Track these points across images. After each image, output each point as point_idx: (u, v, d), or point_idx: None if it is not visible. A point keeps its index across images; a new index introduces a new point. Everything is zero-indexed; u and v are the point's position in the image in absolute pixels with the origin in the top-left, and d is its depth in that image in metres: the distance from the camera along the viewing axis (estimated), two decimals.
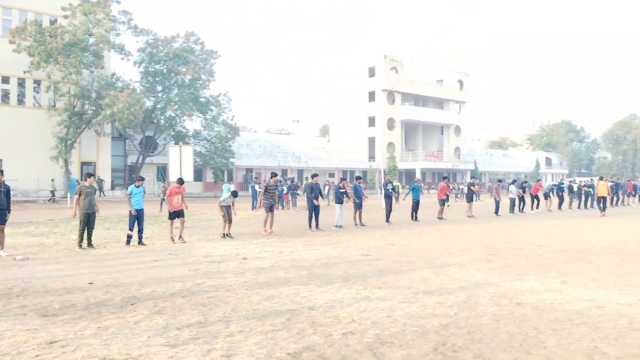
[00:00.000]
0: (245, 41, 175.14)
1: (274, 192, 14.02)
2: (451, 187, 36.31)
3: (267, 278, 7.61)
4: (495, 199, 21.30)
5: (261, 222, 15.52)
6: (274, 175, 14.00)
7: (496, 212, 20.84)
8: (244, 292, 6.72)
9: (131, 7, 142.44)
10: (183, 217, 12.09)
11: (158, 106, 40.54)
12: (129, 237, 11.54)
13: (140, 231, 11.52)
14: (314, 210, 14.61)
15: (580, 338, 4.84)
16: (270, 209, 13.85)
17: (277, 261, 9.22)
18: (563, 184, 26.03)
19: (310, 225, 14.64)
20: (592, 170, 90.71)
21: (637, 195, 31.63)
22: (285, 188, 24.86)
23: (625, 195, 29.35)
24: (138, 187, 11.50)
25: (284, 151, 55.21)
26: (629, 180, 33.29)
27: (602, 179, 21.12)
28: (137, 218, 11.41)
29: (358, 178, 16.11)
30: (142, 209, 11.51)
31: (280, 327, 5.18)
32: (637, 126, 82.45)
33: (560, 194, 24.52)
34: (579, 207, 25.19)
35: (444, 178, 19.12)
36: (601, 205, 20.21)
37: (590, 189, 25.83)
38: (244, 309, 5.85)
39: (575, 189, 25.79)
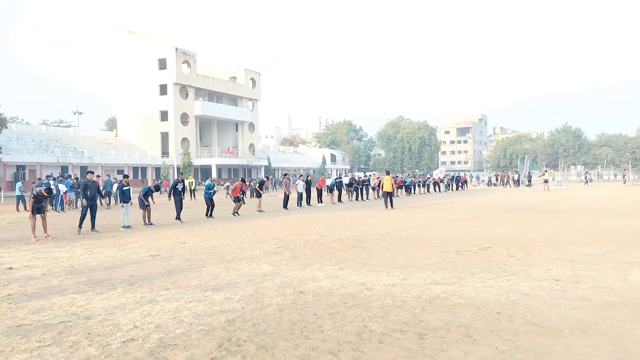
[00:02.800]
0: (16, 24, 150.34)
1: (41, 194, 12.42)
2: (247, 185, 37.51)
3: (37, 288, 6.92)
4: (285, 193, 22.45)
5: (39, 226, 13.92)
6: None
7: (285, 206, 22.03)
8: (7, 306, 6.00)
9: None
10: None
11: None
12: None
13: None
14: (90, 210, 13.65)
15: (352, 319, 5.34)
16: (38, 211, 12.34)
17: (50, 269, 8.34)
18: (341, 178, 29.01)
19: (80, 226, 13.60)
20: (369, 166, 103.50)
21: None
22: (61, 187, 22.07)
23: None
24: None
25: (63, 146, 49.49)
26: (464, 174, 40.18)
27: (388, 174, 21.97)
28: None
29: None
30: None
31: (50, 342, 4.75)
32: (404, 127, 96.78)
33: (340, 188, 27.24)
34: (357, 199, 28.31)
35: (242, 180, 19.46)
36: (388, 200, 21.31)
37: (367, 183, 29.49)
38: (5, 326, 5.22)
39: (348, 182, 28.87)
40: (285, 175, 23.70)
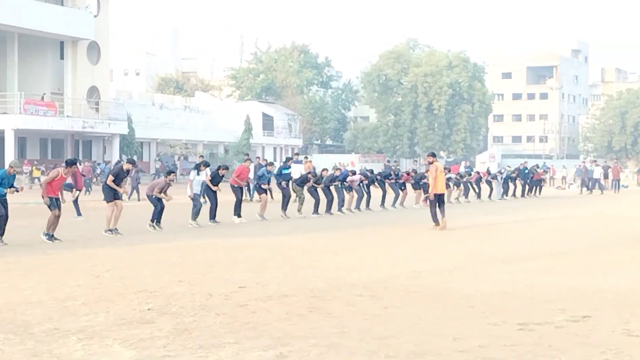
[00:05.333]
0: None
1: None
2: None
3: None
4: (152, 197, 23.10)
5: None
6: None
7: (154, 220, 23.25)
8: None
9: None
10: None
11: None
12: None
13: None
14: None
15: None
16: None
17: None
18: (289, 165, 29.45)
19: None
20: (341, 140, 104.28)
21: None
22: None
23: None
24: None
25: None
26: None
27: (434, 157, 24.56)
28: None
29: None
30: None
31: None
32: (419, 60, 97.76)
33: (282, 184, 27.64)
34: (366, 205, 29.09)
35: (70, 163, 20.16)
36: (437, 208, 23.56)
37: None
38: None
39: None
40: (158, 158, 24.10)
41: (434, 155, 24.59)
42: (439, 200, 23.56)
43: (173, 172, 26.04)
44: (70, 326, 9.42)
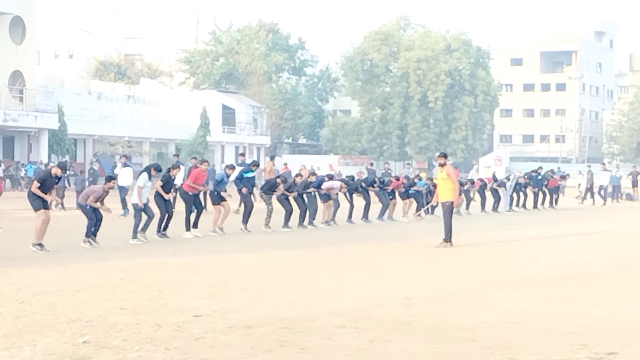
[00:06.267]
0: None
1: None
2: None
3: None
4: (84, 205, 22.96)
5: None
6: None
7: (89, 234, 23.19)
8: None
9: None
10: None
11: None
12: None
13: None
14: None
15: None
16: None
17: None
18: (247, 168, 29.99)
19: None
20: (318, 139, 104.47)
21: None
22: None
23: None
24: None
25: None
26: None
27: (445, 158, 24.55)
28: None
29: None
30: None
31: None
32: (411, 42, 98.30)
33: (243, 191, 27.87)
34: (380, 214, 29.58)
35: None
36: (450, 220, 23.61)
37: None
38: None
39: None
40: (96, 159, 24.23)
41: (445, 155, 24.50)
42: (450, 211, 23.49)
43: (113, 179, 25.96)
44: None
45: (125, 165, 36.22)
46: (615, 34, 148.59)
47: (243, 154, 53.62)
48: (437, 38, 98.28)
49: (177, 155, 46.76)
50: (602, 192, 53.60)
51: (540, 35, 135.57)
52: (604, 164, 66.16)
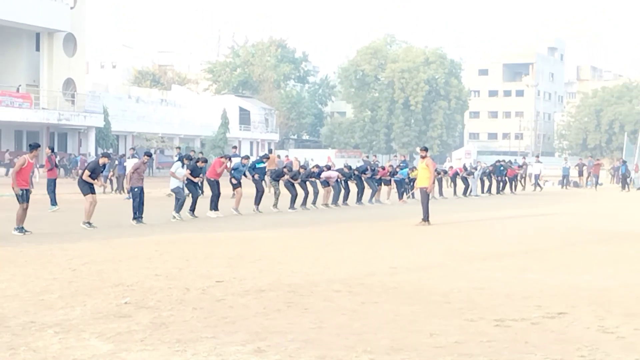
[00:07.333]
0: None
1: None
2: None
3: None
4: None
5: None
6: None
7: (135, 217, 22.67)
8: None
9: None
10: None
11: None
12: None
13: None
14: None
15: None
16: None
17: None
18: (260, 160, 30.04)
19: None
20: (318, 135, 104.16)
21: None
22: None
23: None
24: None
25: None
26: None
27: (426, 151, 25.01)
28: None
29: None
30: None
31: None
32: (396, 56, 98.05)
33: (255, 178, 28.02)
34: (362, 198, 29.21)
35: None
36: (427, 204, 23.82)
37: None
38: None
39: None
40: (135, 152, 24.13)
41: (426, 149, 24.64)
42: (426, 196, 23.58)
43: (150, 155, 26.33)
44: (46, 320, 9.38)
45: (133, 156, 36.09)
46: (565, 49, 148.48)
47: (235, 147, 53.50)
48: (418, 52, 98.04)
49: (179, 148, 46.39)
50: (533, 179, 53.49)
51: (503, 50, 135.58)
52: (537, 156, 66.34)
